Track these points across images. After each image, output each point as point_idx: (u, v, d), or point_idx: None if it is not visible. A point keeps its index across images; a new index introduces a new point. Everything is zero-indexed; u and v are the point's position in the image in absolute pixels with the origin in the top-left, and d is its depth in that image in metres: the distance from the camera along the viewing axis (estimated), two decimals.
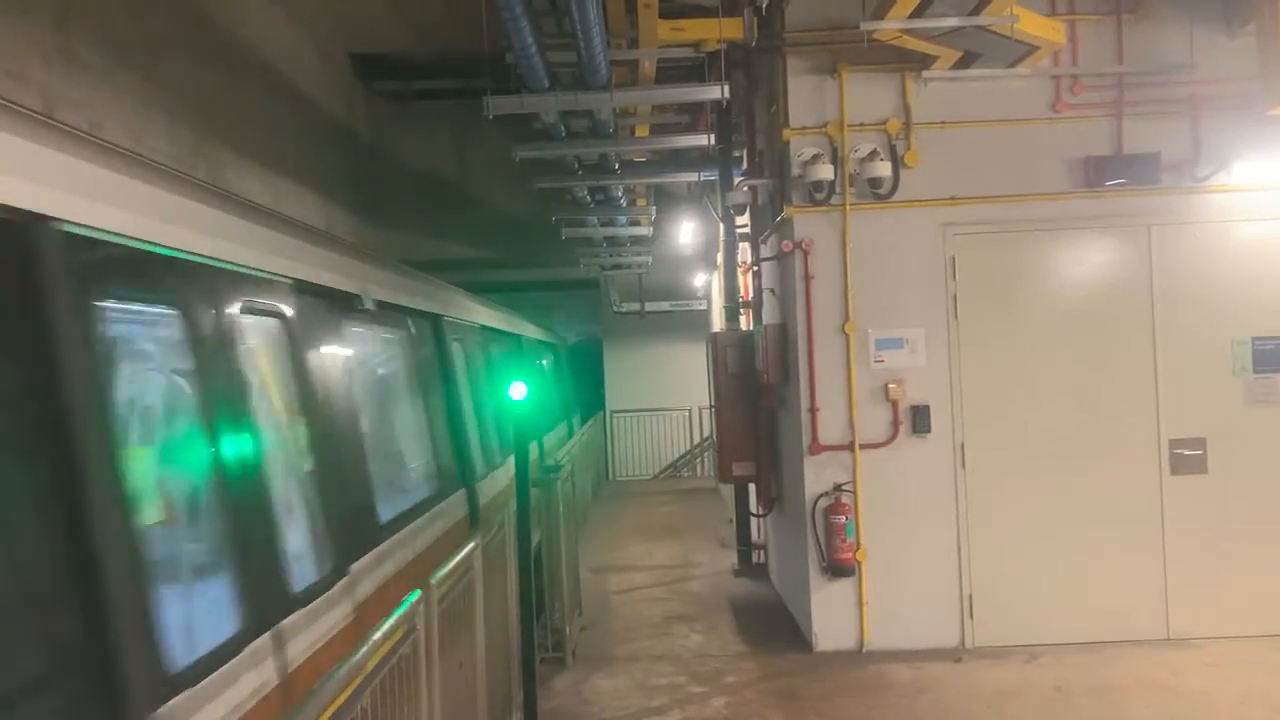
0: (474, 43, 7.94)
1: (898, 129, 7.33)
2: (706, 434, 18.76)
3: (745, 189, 8.87)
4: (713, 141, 9.90)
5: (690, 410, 19.93)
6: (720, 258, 10.58)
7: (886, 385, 7.26)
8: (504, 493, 6.99)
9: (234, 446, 3.07)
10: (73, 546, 2.09)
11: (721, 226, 10.09)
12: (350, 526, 4.00)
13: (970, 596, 7.25)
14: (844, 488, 7.26)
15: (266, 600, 3.05)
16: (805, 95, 7.40)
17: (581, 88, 8.07)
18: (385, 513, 4.58)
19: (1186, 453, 7.22)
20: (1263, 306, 7.25)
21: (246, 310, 3.34)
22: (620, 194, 12.71)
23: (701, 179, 11.59)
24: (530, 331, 12.44)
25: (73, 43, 6.79)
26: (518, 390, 5.30)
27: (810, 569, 7.33)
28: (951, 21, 6.39)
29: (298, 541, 3.51)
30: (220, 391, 3.06)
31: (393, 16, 12.06)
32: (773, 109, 7.94)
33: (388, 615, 3.24)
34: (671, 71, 9.19)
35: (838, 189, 7.32)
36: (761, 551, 10.13)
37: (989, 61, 7.13)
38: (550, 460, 9.44)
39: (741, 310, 9.82)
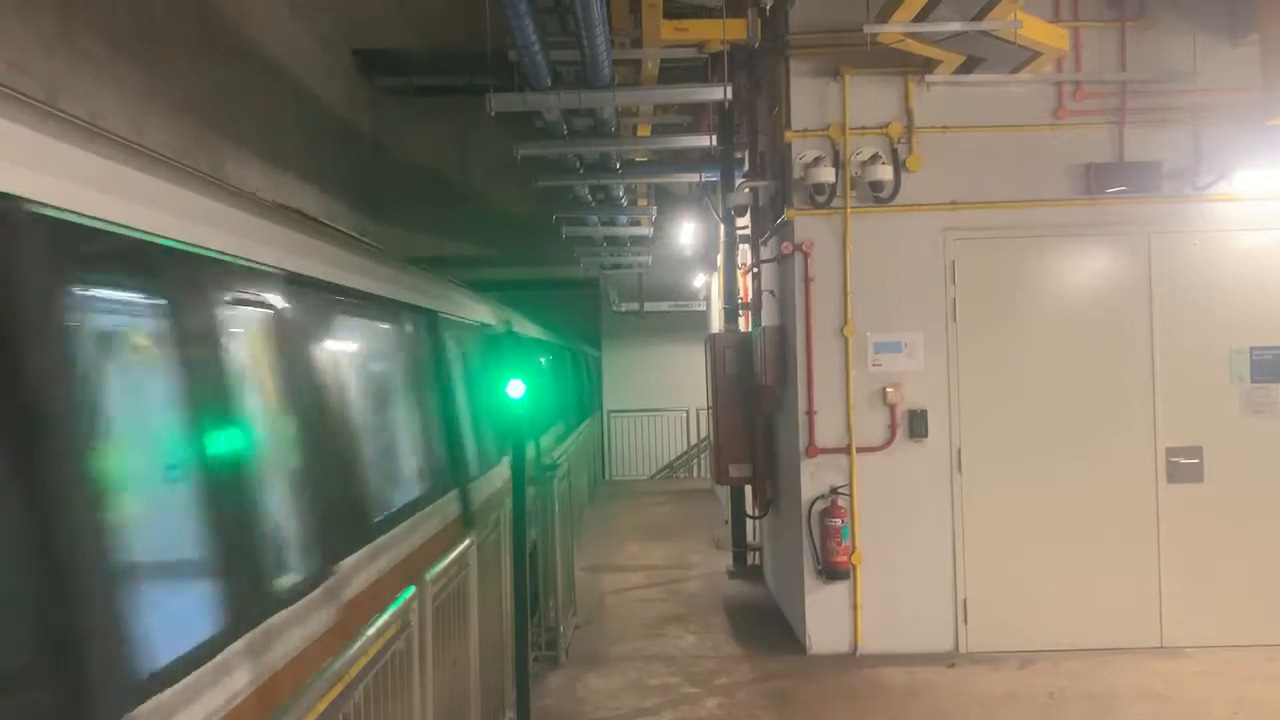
0: (477, 39, 7.93)
1: (900, 133, 7.33)
2: (704, 435, 18.77)
3: (746, 190, 8.87)
4: (714, 142, 9.91)
5: (688, 411, 19.94)
6: (720, 259, 10.58)
7: (884, 389, 7.26)
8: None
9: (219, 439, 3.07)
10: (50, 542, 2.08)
11: (722, 227, 10.09)
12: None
13: (965, 601, 7.25)
14: (840, 491, 7.26)
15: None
16: (808, 97, 7.40)
17: (584, 86, 8.07)
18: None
19: (1183, 461, 7.22)
20: (1261, 316, 7.26)
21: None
22: (621, 193, 12.73)
23: (703, 180, 11.60)
24: (530, 330, 12.42)
25: (75, 32, 6.78)
26: (515, 388, 5.29)
27: (805, 571, 7.33)
28: (955, 26, 6.39)
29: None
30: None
31: (396, 12, 12.05)
32: (775, 111, 7.94)
33: (381, 611, 3.24)
34: (674, 71, 9.20)
35: (839, 192, 7.32)
36: (757, 553, 10.13)
37: (992, 66, 7.13)
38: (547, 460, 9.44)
39: (740, 312, 9.81)
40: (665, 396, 20.11)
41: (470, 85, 11.88)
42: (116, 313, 2.59)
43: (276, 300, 3.55)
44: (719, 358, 8.82)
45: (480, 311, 8.03)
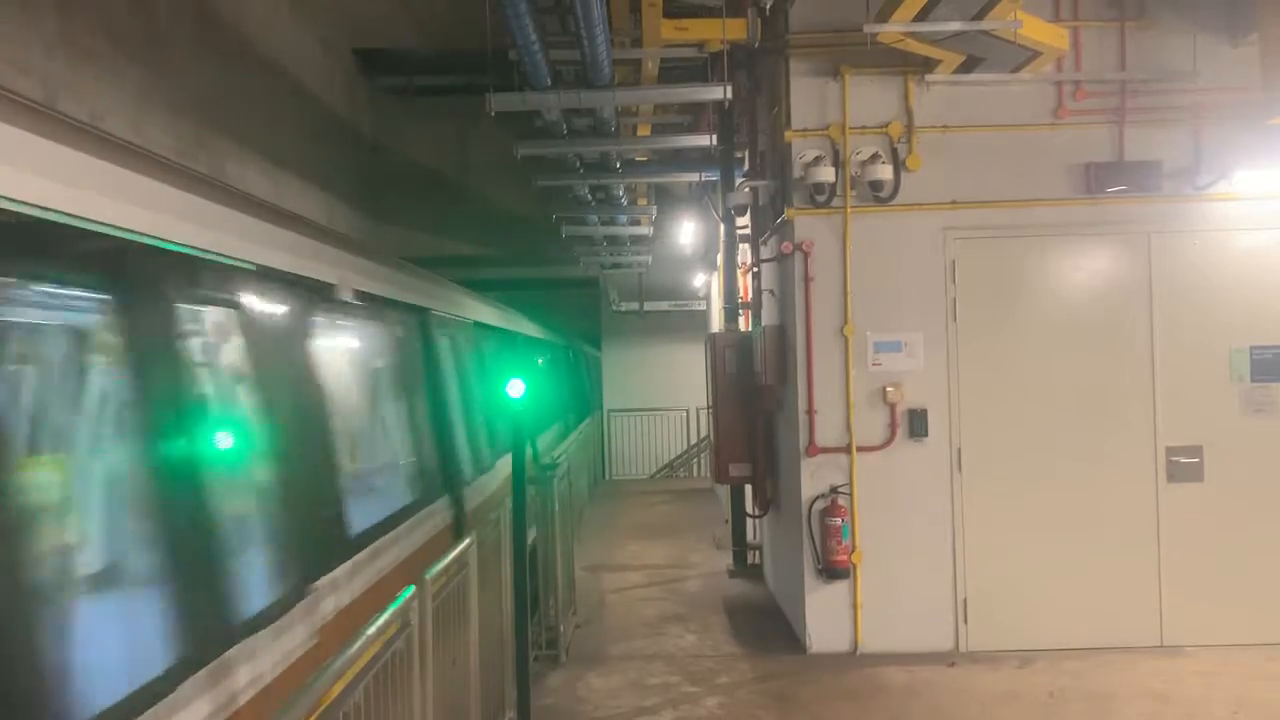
0: (477, 39, 7.94)
1: (900, 132, 7.33)
2: (704, 435, 18.77)
3: (746, 190, 8.87)
4: (714, 142, 9.91)
5: (688, 410, 19.95)
6: (720, 258, 10.59)
7: (884, 388, 7.27)
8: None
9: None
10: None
11: (722, 227, 10.09)
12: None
13: (965, 601, 7.25)
14: (840, 490, 7.26)
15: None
16: (808, 97, 7.40)
17: (584, 86, 8.08)
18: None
19: (1183, 460, 7.22)
20: (1261, 315, 7.26)
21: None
22: (621, 193, 12.73)
23: (703, 179, 11.61)
24: (530, 330, 12.43)
25: (75, 31, 6.78)
26: (515, 388, 5.30)
27: (805, 571, 7.33)
28: (955, 25, 6.39)
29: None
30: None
31: (397, 12, 12.07)
32: (775, 110, 7.94)
33: (382, 610, 3.24)
34: (674, 71, 9.20)
35: (839, 191, 7.32)
36: (757, 553, 10.13)
37: (992, 66, 7.13)
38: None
39: (740, 311, 9.82)
40: (665, 396, 20.11)
41: (470, 85, 11.86)
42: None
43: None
44: (719, 357, 8.82)
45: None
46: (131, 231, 2.59)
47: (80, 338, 2.45)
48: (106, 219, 2.47)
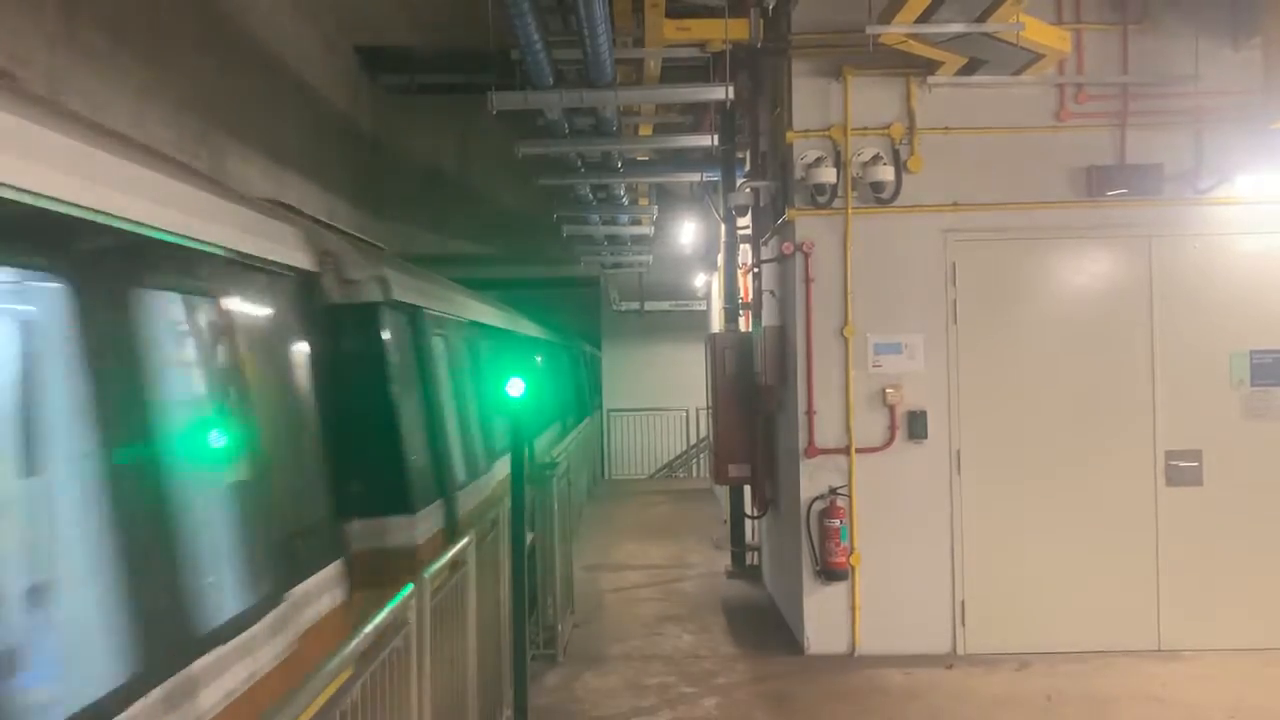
0: (479, 38, 7.96)
1: (901, 134, 7.33)
2: (703, 435, 18.76)
3: (747, 190, 8.86)
4: (716, 142, 9.91)
5: (687, 411, 19.94)
6: (721, 258, 10.59)
7: (884, 390, 7.26)
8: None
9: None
10: None
11: (723, 227, 10.09)
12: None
13: (963, 603, 7.24)
14: (839, 491, 7.26)
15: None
16: (809, 98, 7.39)
17: (586, 85, 8.09)
18: None
19: (1182, 464, 7.21)
20: (1261, 319, 7.25)
21: None
22: (622, 192, 12.75)
23: (704, 179, 11.61)
24: (530, 329, 12.43)
25: (79, 28, 6.78)
26: (515, 387, 5.30)
27: (804, 572, 7.33)
28: (957, 27, 6.38)
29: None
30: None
31: (399, 10, 12.07)
32: (776, 111, 7.94)
33: (380, 609, 3.24)
34: (676, 71, 9.21)
35: (840, 192, 7.32)
36: (755, 553, 10.12)
37: (994, 68, 7.12)
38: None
39: (741, 312, 9.81)
40: (665, 396, 20.10)
41: (472, 83, 11.91)
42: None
43: None
44: (719, 357, 8.81)
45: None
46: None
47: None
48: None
